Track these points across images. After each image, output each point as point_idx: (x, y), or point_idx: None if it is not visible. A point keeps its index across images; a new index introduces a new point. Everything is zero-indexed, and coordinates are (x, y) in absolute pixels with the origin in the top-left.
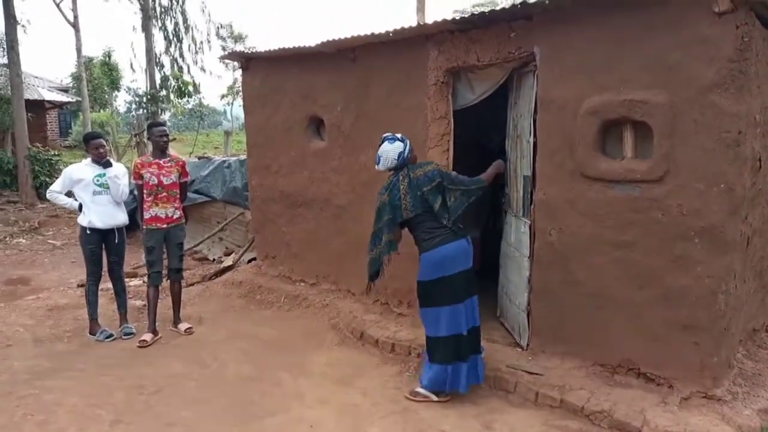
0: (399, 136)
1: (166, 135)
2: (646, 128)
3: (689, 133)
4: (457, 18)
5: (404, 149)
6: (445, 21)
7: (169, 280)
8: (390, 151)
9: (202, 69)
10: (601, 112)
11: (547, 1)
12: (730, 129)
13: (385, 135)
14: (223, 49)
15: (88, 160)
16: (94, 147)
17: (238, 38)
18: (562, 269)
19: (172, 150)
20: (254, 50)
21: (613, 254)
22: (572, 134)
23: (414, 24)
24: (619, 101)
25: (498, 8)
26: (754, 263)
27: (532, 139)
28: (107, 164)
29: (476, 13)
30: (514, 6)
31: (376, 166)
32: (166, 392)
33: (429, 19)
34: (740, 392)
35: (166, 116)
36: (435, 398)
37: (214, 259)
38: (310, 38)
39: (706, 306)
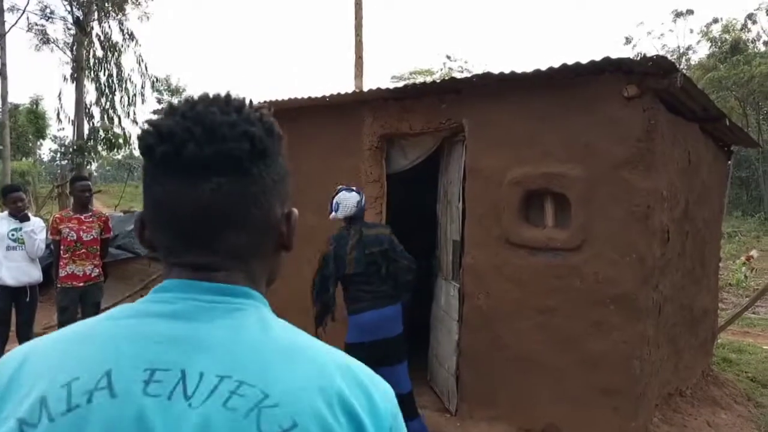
0: (354, 187)
1: (89, 190)
2: (565, 199)
3: (603, 206)
4: (391, 87)
5: (361, 199)
6: (379, 90)
7: None
8: (349, 199)
9: (134, 121)
10: (524, 183)
11: (474, 79)
12: (640, 203)
13: (340, 186)
14: (159, 101)
15: (4, 213)
16: (12, 201)
17: (176, 91)
18: (490, 333)
19: (97, 204)
20: None
21: (537, 319)
22: (498, 202)
23: (351, 90)
24: (539, 173)
25: (429, 81)
26: (667, 329)
27: (460, 205)
28: (24, 218)
29: (409, 84)
30: (444, 80)
31: (334, 214)
32: None
33: (366, 86)
34: None
35: (93, 167)
36: None
37: None
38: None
39: (623, 370)
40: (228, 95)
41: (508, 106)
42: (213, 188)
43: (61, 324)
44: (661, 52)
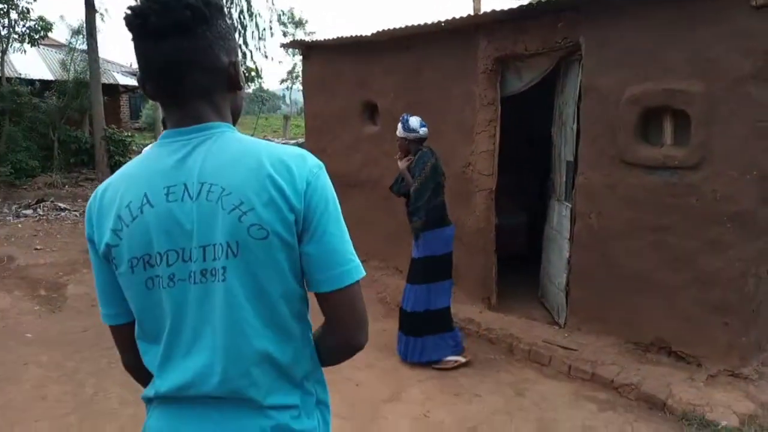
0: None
1: None
2: (685, 117)
3: (725, 122)
4: (506, 9)
5: None
6: (494, 11)
7: None
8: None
9: (264, 55)
10: (642, 100)
11: None
12: (764, 118)
13: (404, 114)
14: (284, 34)
15: None
16: None
17: (299, 24)
18: (601, 251)
19: None
20: (315, 39)
21: (650, 238)
22: (614, 121)
23: (467, 14)
24: (659, 90)
25: (545, 0)
26: None
27: (575, 126)
28: None
29: (525, 4)
30: None
31: (423, 130)
32: None
33: (485, 8)
34: None
35: None
36: (464, 359)
37: None
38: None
39: (737, 288)
40: None
41: (627, 22)
42: (172, 45)
43: None
44: None
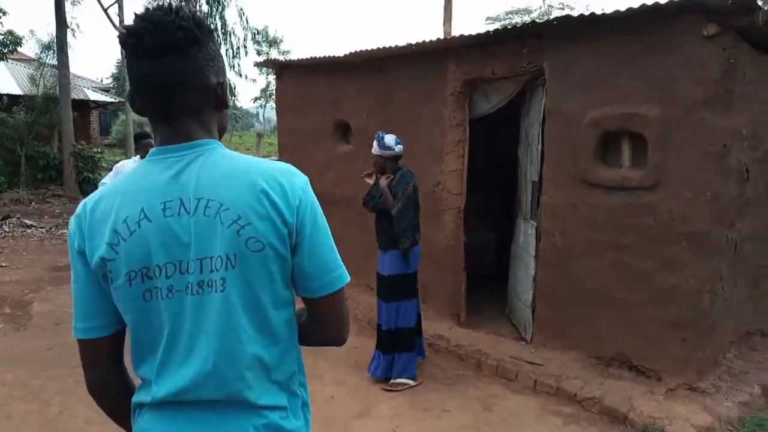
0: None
1: (151, 146)
2: (642, 140)
3: (679, 145)
4: (474, 34)
5: None
6: (462, 36)
7: None
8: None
9: (238, 73)
10: (602, 124)
11: (555, 23)
12: (716, 143)
13: (379, 132)
14: (258, 53)
15: (137, 157)
16: (144, 146)
17: (273, 42)
18: (564, 269)
19: None
20: (289, 58)
21: (610, 256)
22: (576, 143)
23: (438, 36)
24: (617, 114)
25: (511, 26)
26: (747, 270)
27: (540, 147)
28: None
29: (491, 30)
30: (524, 24)
31: (399, 147)
32: None
33: (456, 30)
34: (725, 387)
35: None
36: (413, 383)
37: None
38: (342, 44)
39: (693, 305)
40: (170, 4)
41: (587, 49)
42: (165, 65)
43: None
44: None
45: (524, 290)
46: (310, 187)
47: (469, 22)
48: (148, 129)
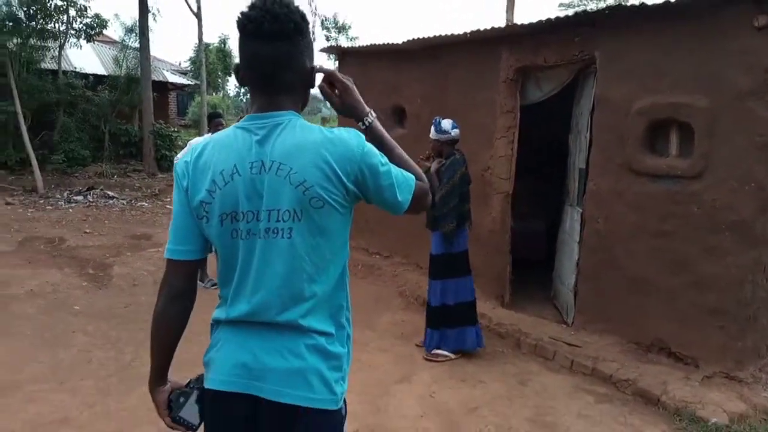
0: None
1: (222, 125)
2: (689, 129)
3: (726, 135)
4: (528, 23)
5: None
6: (515, 25)
7: None
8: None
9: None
10: (650, 113)
11: (606, 12)
12: (763, 134)
13: (437, 117)
14: (327, 39)
15: (209, 135)
16: (216, 125)
17: (342, 29)
18: (607, 254)
19: None
20: (354, 45)
21: (652, 242)
22: (623, 131)
23: (496, 25)
24: (666, 103)
25: (563, 16)
26: None
27: (588, 135)
28: None
29: (544, 19)
30: (576, 14)
31: (455, 131)
32: None
33: (522, 17)
34: (765, 378)
35: None
36: (453, 356)
37: None
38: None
39: (733, 294)
40: None
41: (638, 38)
42: (276, 47)
43: None
44: None
45: (567, 275)
46: (364, 143)
47: (538, 8)
48: (219, 110)
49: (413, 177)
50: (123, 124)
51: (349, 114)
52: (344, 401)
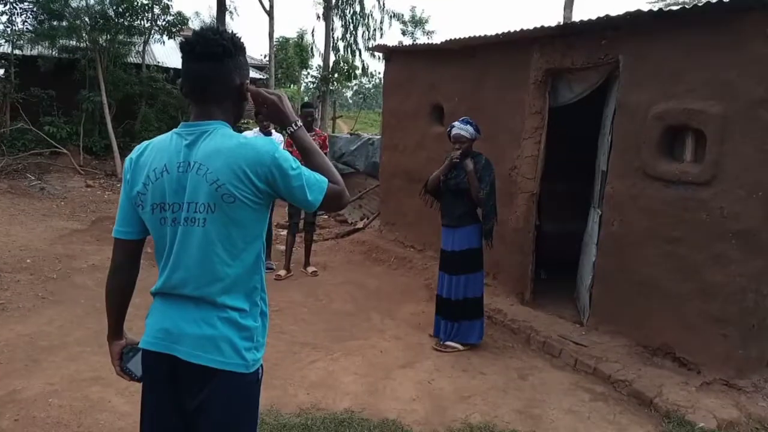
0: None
1: (312, 115)
2: (703, 135)
3: (736, 143)
4: (556, 25)
5: None
6: (544, 27)
7: (303, 231)
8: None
9: (372, 54)
10: (665, 118)
11: (627, 17)
12: None
13: (454, 122)
14: (403, 33)
15: (256, 129)
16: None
17: (418, 23)
18: (620, 257)
19: (342, 126)
20: (396, 44)
21: (663, 247)
22: (640, 136)
23: (528, 26)
24: (680, 109)
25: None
26: None
27: (610, 138)
28: (268, 134)
29: (569, 22)
30: (599, 18)
31: (478, 135)
32: (284, 312)
33: (576, 16)
34: (767, 387)
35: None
36: (461, 348)
37: (351, 222)
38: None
39: (736, 302)
40: (217, 25)
41: (658, 43)
42: (206, 66)
43: (289, 215)
44: None
45: (586, 275)
46: (276, 149)
47: (600, 9)
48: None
49: (326, 180)
50: None
51: (277, 123)
52: (261, 368)
